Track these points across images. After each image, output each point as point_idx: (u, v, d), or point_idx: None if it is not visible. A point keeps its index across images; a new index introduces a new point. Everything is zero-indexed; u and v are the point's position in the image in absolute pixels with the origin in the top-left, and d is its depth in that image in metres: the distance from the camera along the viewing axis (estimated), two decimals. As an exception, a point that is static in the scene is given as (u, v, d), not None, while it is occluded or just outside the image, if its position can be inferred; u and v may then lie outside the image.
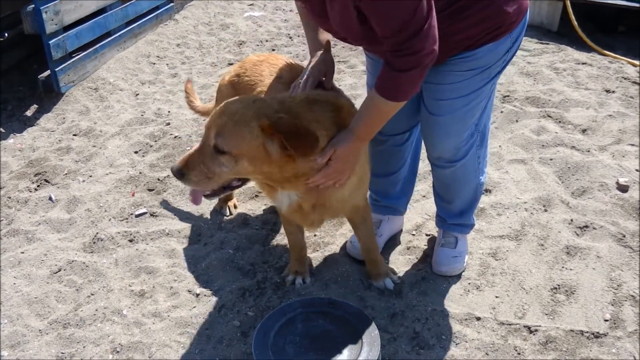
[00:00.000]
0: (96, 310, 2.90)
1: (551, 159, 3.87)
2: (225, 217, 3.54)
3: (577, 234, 3.25)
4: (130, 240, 3.37)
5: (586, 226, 3.28)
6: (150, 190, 3.82)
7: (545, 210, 3.43)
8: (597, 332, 2.62)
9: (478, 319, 2.71)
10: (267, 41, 6.19)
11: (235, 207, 3.61)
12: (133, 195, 3.76)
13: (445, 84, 2.42)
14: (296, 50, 5.94)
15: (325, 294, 2.88)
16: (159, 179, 3.88)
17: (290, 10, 7.02)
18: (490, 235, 3.28)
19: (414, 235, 3.34)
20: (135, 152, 4.26)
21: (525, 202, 3.50)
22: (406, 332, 2.68)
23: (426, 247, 3.23)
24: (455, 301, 2.83)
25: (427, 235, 3.32)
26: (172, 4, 6.49)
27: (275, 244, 3.30)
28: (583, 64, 5.23)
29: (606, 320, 2.68)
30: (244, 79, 2.89)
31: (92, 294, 3.01)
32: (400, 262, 3.13)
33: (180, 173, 2.16)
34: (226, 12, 7.06)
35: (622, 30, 5.90)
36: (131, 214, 3.59)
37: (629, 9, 5.64)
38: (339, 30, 2.23)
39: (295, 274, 2.97)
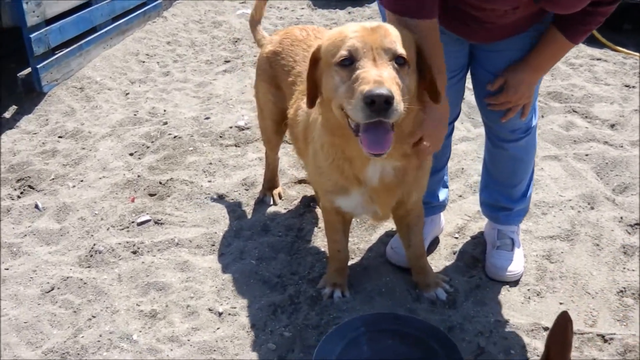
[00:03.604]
0: (100, 335, 2.45)
1: (587, 155, 3.68)
2: (269, 206, 3.27)
3: (629, 232, 3.02)
4: (134, 252, 2.92)
5: (637, 224, 3.06)
6: (151, 195, 3.38)
7: (592, 208, 3.20)
8: None
9: (546, 329, 2.44)
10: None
11: (280, 196, 3.29)
12: (133, 200, 3.31)
13: (527, 45, 2.29)
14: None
15: (369, 308, 2.50)
16: (160, 183, 3.45)
17: (286, 8, 6.72)
18: (540, 236, 3.01)
19: (457, 238, 3.00)
20: (131, 154, 3.83)
21: (569, 200, 3.26)
22: (469, 348, 2.34)
23: (474, 250, 2.92)
24: (518, 310, 2.56)
25: (472, 237, 3.00)
26: (159, 1, 6.15)
27: (303, 253, 2.89)
28: (598, 59, 5.16)
29: None
30: (280, 60, 2.68)
31: (94, 317, 2.55)
32: (448, 269, 2.81)
33: (391, 99, 1.63)
34: (217, 10, 6.75)
35: (628, 28, 5.85)
36: (132, 222, 3.14)
37: (635, 7, 5.57)
38: None
39: (333, 286, 2.58)
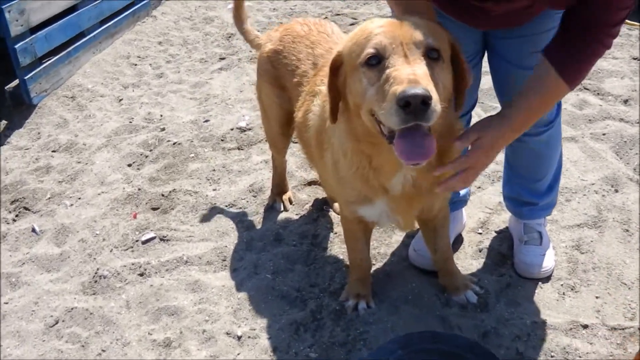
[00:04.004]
0: (113, 370, 2.30)
1: (604, 134, 3.55)
2: (280, 212, 3.11)
3: None
4: (141, 275, 2.75)
5: None
6: (154, 209, 3.20)
7: (616, 191, 3.07)
8: None
9: (585, 327, 2.34)
10: (259, 32, 5.60)
11: (291, 201, 3.14)
12: (135, 217, 3.14)
13: (543, 31, 2.06)
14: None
15: (397, 318, 2.35)
16: (163, 195, 3.28)
17: (278, -1, 6.50)
18: (567, 225, 2.87)
19: (480, 234, 2.85)
20: (129, 165, 3.65)
21: (592, 184, 3.12)
22: (508, 354, 2.22)
23: (500, 246, 2.77)
24: (553, 308, 2.43)
25: (496, 232, 2.85)
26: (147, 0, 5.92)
27: (321, 262, 2.73)
28: (603, 31, 4.93)
29: None
30: (282, 60, 2.50)
31: (104, 350, 2.39)
32: (475, 268, 2.66)
33: (428, 99, 1.45)
34: (208, 5, 6.52)
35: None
36: (136, 241, 2.97)
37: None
38: None
39: (356, 297, 2.43)
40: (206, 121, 4.04)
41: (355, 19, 5.69)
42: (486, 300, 2.46)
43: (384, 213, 2.04)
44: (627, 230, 2.79)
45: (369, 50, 1.59)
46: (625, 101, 3.88)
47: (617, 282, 2.53)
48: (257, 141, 3.74)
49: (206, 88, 4.61)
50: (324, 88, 2.01)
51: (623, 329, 2.31)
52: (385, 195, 1.94)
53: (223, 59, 5.14)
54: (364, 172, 1.90)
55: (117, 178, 3.51)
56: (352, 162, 1.90)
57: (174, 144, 3.78)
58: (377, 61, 1.58)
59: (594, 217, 2.88)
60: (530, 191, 2.60)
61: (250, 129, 3.88)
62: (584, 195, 3.04)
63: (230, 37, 5.61)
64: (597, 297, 2.46)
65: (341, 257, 2.74)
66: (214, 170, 3.48)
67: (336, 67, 1.76)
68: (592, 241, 2.74)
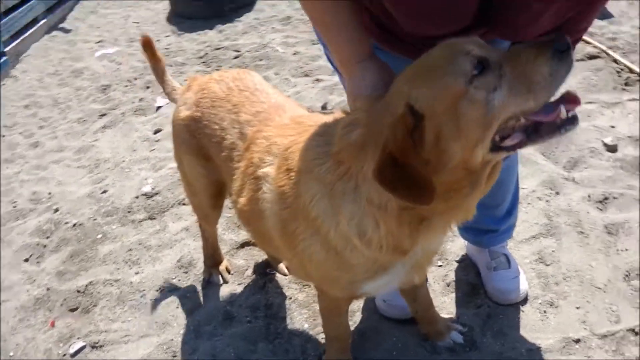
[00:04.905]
0: None
1: None
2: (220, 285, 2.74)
3: (601, 209, 2.91)
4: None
5: (606, 198, 2.97)
6: (73, 310, 2.72)
7: (558, 194, 3.05)
8: None
9: (577, 341, 2.29)
10: (136, 79, 5.20)
11: (229, 271, 2.79)
12: (53, 325, 2.64)
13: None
14: (177, 82, 4.97)
15: (387, 381, 2.10)
16: (78, 291, 2.80)
17: (150, 40, 6.06)
18: (523, 239, 2.80)
19: (441, 266, 2.71)
20: (26, 260, 3.12)
21: (533, 191, 3.09)
22: None
23: (467, 276, 2.63)
24: (541, 330, 2.35)
25: (457, 262, 2.71)
26: (4, 58, 5.26)
27: (285, 336, 2.42)
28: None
29: None
30: (203, 129, 2.14)
31: None
32: (450, 305, 2.50)
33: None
34: (73, 56, 5.97)
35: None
36: (64, 355, 2.48)
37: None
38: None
39: (339, 368, 2.15)
40: (104, 192, 3.56)
41: (238, 51, 5.43)
42: (473, 338, 2.34)
43: (397, 277, 1.76)
44: (582, 232, 2.76)
45: (470, 55, 1.31)
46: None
47: (592, 288, 2.49)
48: (169, 206, 3.34)
49: (93, 152, 4.12)
50: (270, 171, 1.74)
51: (613, 334, 2.28)
52: (404, 258, 1.64)
53: (104, 115, 4.66)
54: (393, 239, 1.55)
55: (17, 279, 2.97)
56: (381, 236, 1.54)
57: (73, 225, 3.28)
58: (482, 68, 1.31)
59: (546, 225, 2.84)
60: (491, 218, 2.46)
61: (157, 194, 3.46)
62: (529, 204, 2.99)
63: (105, 89, 5.12)
64: (577, 308, 2.42)
65: (306, 326, 2.45)
66: (130, 249, 3.03)
67: (408, 134, 1.32)
68: (553, 251, 2.69)
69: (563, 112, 1.32)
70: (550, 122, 1.33)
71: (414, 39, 1.64)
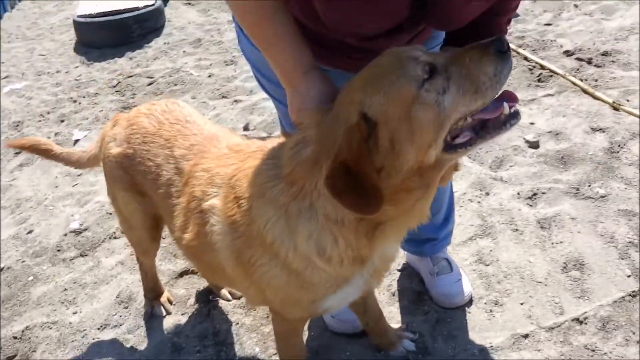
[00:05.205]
0: None
1: None
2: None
3: (531, 205, 3.01)
4: None
5: (534, 194, 3.07)
6: (11, 358, 2.52)
7: (488, 194, 3.13)
8: (633, 291, 2.43)
9: (525, 336, 2.33)
10: (49, 113, 4.95)
11: (171, 302, 2.68)
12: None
13: (432, 47, 1.91)
14: (92, 113, 4.80)
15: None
16: (15, 337, 2.61)
17: (58, 72, 5.80)
18: (461, 242, 2.85)
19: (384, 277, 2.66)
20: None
21: (464, 194, 3.15)
22: None
23: (411, 284, 2.64)
24: (489, 329, 2.39)
25: (399, 271, 2.72)
26: None
27: (237, 360, 2.34)
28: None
29: (629, 276, 2.51)
30: (137, 166, 2.05)
31: None
32: (398, 314, 2.51)
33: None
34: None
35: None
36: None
37: None
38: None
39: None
40: (30, 232, 3.36)
41: (152, 77, 5.29)
42: (424, 344, 2.35)
43: (358, 288, 1.73)
44: (517, 230, 2.84)
45: (418, 61, 1.34)
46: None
47: (533, 283, 2.55)
48: (100, 241, 3.18)
49: (12, 192, 3.88)
50: (216, 202, 1.69)
51: (559, 325, 2.34)
52: (364, 267, 1.62)
53: (19, 152, 4.38)
54: (352, 252, 1.54)
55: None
56: (340, 251, 1.53)
57: (1, 270, 3.06)
58: (431, 72, 1.34)
59: (480, 225, 2.89)
60: (429, 226, 2.43)
61: (86, 229, 3.29)
62: (461, 206, 3.04)
63: (18, 125, 4.83)
64: (522, 304, 2.46)
65: (257, 350, 2.39)
66: (64, 289, 2.86)
67: (363, 141, 1.33)
68: (491, 250, 2.74)
69: (506, 108, 1.37)
70: (495, 119, 1.38)
71: (348, 46, 1.64)
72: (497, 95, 1.37)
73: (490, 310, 2.45)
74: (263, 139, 1.84)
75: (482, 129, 1.39)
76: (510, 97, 1.39)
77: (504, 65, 1.34)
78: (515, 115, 1.39)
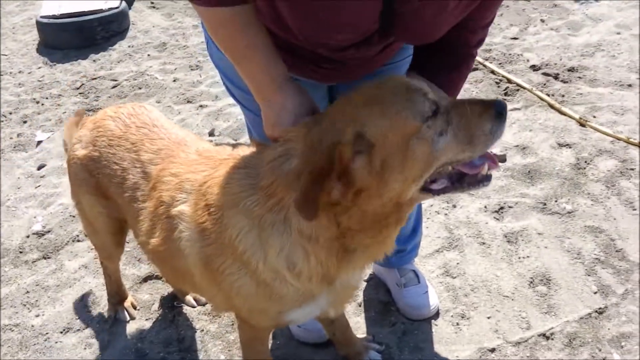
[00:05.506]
0: None
1: None
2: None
3: (498, 219, 3.02)
4: None
5: (501, 208, 3.08)
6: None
7: (454, 206, 3.13)
8: (599, 308, 2.48)
9: (492, 350, 2.35)
10: (11, 114, 4.81)
11: (134, 306, 2.64)
12: None
13: (403, 58, 1.93)
14: (55, 115, 4.69)
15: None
16: (-37, 343, 2.52)
17: (20, 72, 5.65)
18: (427, 254, 2.85)
19: (351, 285, 2.66)
20: None
21: (431, 205, 3.14)
22: None
23: (377, 294, 2.64)
24: (456, 342, 2.40)
25: (366, 281, 2.71)
26: None
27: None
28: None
29: (595, 293, 2.55)
30: (102, 169, 2.01)
31: None
32: (364, 325, 2.51)
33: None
34: None
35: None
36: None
37: None
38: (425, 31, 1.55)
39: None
40: (-10, 234, 3.26)
41: (116, 80, 5.18)
42: (390, 355, 2.36)
43: (321, 306, 1.72)
44: (484, 243, 2.85)
45: (427, 97, 1.38)
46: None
47: (500, 297, 2.56)
48: (63, 244, 3.10)
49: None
50: (186, 208, 1.66)
51: (526, 340, 2.35)
52: (328, 287, 1.61)
53: (-10, 157, 4.27)
54: (322, 269, 1.54)
55: None
56: (311, 267, 1.52)
57: (-40, 272, 2.97)
58: (435, 111, 1.37)
59: (447, 238, 2.90)
60: (397, 238, 2.48)
61: (49, 232, 3.21)
62: (428, 218, 3.04)
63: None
64: (489, 318, 2.48)
65: (222, 357, 2.35)
66: (27, 292, 2.78)
67: (351, 159, 1.33)
68: (458, 263, 2.75)
69: (485, 168, 1.44)
70: (473, 175, 1.44)
71: (320, 56, 1.63)
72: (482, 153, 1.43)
73: (457, 324, 2.45)
74: (233, 146, 1.82)
75: (458, 181, 1.45)
76: (493, 161, 1.46)
77: (500, 127, 1.41)
78: (489, 179, 1.46)
